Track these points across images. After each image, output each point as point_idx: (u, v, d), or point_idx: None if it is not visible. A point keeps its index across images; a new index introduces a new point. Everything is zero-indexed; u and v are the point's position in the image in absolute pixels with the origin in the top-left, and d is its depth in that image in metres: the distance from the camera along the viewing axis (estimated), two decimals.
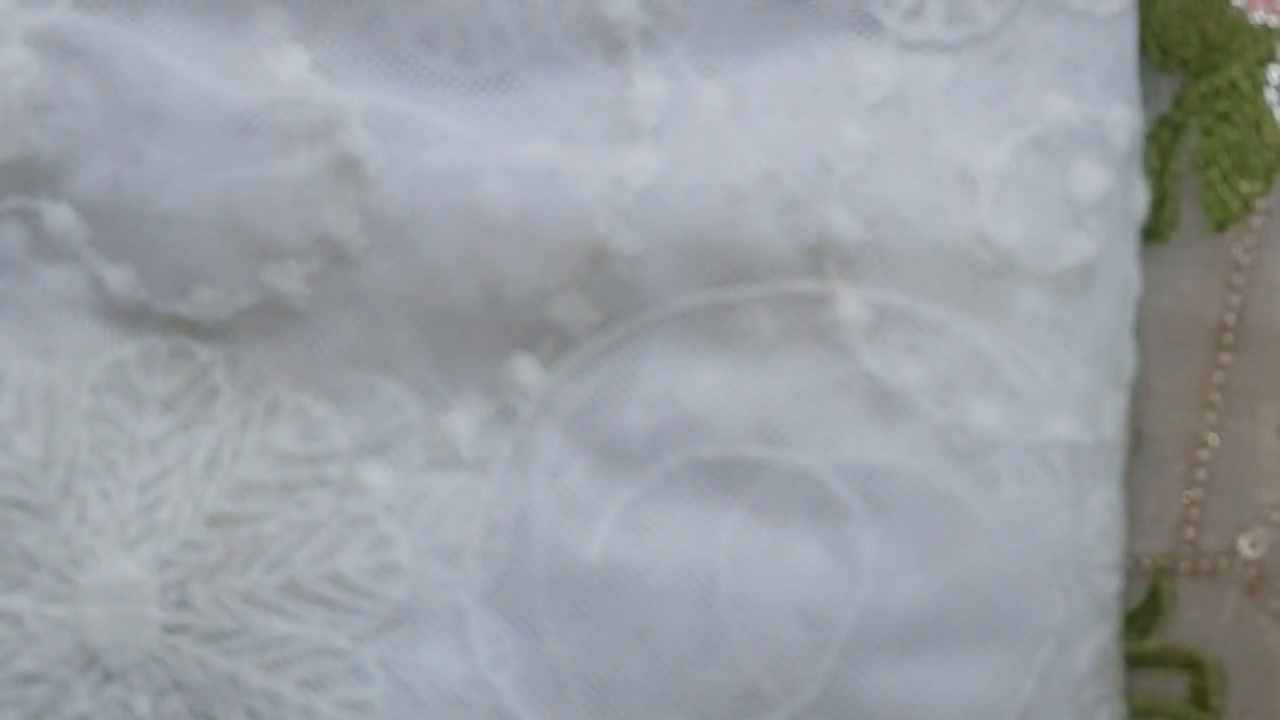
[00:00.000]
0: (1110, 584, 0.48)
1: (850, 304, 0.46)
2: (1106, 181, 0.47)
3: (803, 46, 0.47)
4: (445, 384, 0.47)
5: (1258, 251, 0.49)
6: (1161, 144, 0.49)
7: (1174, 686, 0.49)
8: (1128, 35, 0.48)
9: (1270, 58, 0.49)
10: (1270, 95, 0.49)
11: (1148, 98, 0.49)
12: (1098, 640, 0.47)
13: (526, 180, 0.46)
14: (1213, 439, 0.49)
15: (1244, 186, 0.49)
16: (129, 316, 0.47)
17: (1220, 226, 0.49)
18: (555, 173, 0.46)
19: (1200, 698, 0.49)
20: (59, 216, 0.47)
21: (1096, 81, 0.47)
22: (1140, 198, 0.48)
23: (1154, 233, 0.49)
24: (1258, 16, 0.49)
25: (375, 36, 0.46)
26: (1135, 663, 0.49)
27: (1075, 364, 0.47)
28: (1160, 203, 0.49)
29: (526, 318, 0.47)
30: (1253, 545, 0.49)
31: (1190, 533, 0.49)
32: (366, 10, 0.46)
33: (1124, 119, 0.47)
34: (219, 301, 0.47)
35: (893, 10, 0.46)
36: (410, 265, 0.46)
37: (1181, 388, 0.49)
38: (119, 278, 0.47)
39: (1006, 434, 0.46)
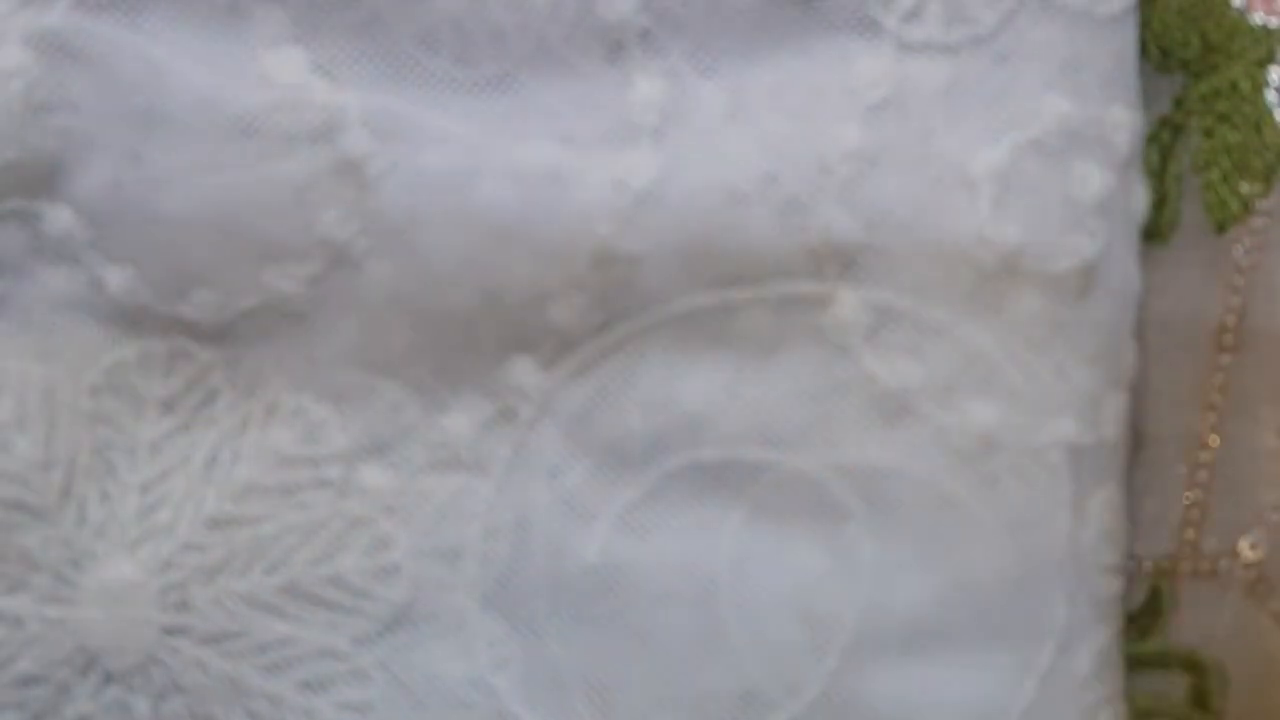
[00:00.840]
0: (1111, 585, 0.48)
1: (850, 305, 0.46)
2: (1107, 183, 0.47)
3: (802, 48, 0.47)
4: (445, 385, 0.47)
5: (1258, 253, 0.49)
6: (1162, 145, 0.49)
7: (1175, 688, 0.49)
8: (1128, 36, 0.48)
9: (1270, 59, 0.49)
10: (1270, 96, 0.49)
11: (1148, 99, 0.49)
12: (1098, 642, 0.47)
13: (526, 182, 0.46)
14: (1213, 440, 0.49)
15: (1244, 188, 0.49)
16: (129, 318, 0.47)
17: (1221, 228, 0.49)
18: (555, 174, 0.46)
19: (1201, 699, 0.49)
20: (59, 218, 0.47)
21: (1096, 83, 0.47)
22: (1141, 199, 0.48)
23: (1154, 234, 0.49)
24: (1258, 18, 0.49)
25: (375, 38, 0.46)
26: (1136, 664, 0.49)
27: (1076, 365, 0.47)
28: (1161, 204, 0.49)
29: (526, 319, 0.47)
30: (1253, 547, 0.49)
31: (1191, 534, 0.49)
32: (366, 11, 0.46)
33: (1124, 120, 0.47)
34: (219, 303, 0.47)
35: (892, 12, 0.46)
36: (410, 267, 0.46)
37: (1182, 389, 0.49)
38: (119, 279, 0.47)
39: (1007, 435, 0.46)
